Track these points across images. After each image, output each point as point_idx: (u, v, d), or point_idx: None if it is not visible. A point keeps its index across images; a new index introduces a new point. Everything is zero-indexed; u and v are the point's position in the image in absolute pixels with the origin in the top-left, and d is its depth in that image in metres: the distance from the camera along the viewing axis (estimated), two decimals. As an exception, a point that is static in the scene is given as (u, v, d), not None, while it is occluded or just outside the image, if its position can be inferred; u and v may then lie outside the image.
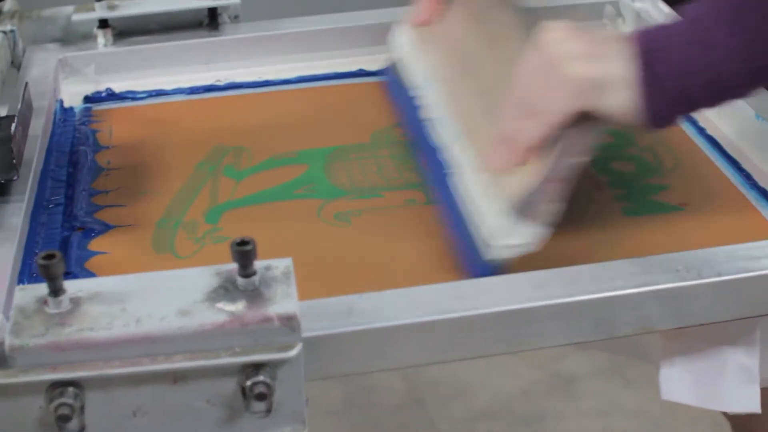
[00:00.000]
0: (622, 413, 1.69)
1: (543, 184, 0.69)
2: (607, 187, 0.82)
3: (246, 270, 0.58)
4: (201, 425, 0.58)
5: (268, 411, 0.58)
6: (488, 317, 0.64)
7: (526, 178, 0.69)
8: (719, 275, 0.66)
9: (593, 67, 0.67)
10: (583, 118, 0.68)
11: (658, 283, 0.65)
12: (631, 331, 0.66)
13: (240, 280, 0.58)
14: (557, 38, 0.69)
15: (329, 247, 0.76)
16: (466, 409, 1.71)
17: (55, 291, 0.56)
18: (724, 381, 0.71)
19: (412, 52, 0.92)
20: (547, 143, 0.69)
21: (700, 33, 0.66)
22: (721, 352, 0.71)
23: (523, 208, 0.69)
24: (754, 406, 0.71)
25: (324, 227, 0.79)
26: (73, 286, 0.58)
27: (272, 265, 0.60)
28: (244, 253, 0.57)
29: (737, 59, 0.65)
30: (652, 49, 0.67)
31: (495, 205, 0.71)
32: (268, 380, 0.56)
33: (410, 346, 0.64)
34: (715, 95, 0.68)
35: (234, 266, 0.58)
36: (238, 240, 0.57)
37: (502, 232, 0.69)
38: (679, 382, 0.72)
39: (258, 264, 0.59)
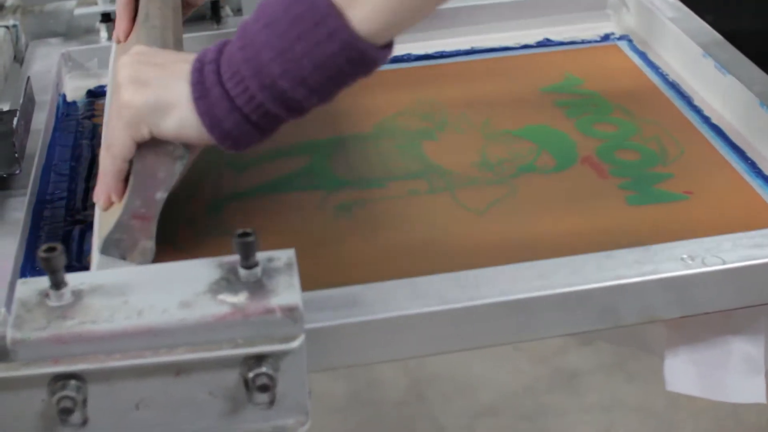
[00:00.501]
0: (624, 408, 1.69)
1: (127, 222, 0.67)
2: (611, 176, 0.82)
3: (248, 261, 0.58)
4: (204, 417, 0.58)
5: (271, 403, 0.58)
6: (492, 307, 0.63)
7: (112, 216, 0.68)
8: (724, 263, 0.66)
9: (144, 93, 0.65)
10: (158, 146, 0.66)
11: (662, 272, 0.65)
12: (635, 320, 0.66)
13: (242, 272, 0.58)
14: (122, 64, 0.67)
15: (332, 238, 0.76)
16: (469, 405, 1.71)
17: (57, 284, 0.56)
18: (728, 372, 0.71)
19: (111, 69, 0.89)
20: (123, 177, 0.67)
21: (248, 40, 0.63)
22: (726, 342, 0.71)
23: (112, 246, 0.68)
24: (759, 396, 0.71)
25: (327, 218, 0.78)
26: (74, 279, 0.58)
27: (274, 256, 0.59)
28: (246, 244, 0.57)
29: (279, 61, 0.62)
30: (204, 62, 0.64)
31: (96, 243, 0.70)
32: (270, 372, 0.56)
33: (414, 337, 0.64)
34: (261, 112, 0.64)
35: (236, 258, 0.58)
36: (240, 231, 0.57)
37: (96, 270, 0.68)
38: (684, 374, 0.72)
39: (260, 255, 0.58)
